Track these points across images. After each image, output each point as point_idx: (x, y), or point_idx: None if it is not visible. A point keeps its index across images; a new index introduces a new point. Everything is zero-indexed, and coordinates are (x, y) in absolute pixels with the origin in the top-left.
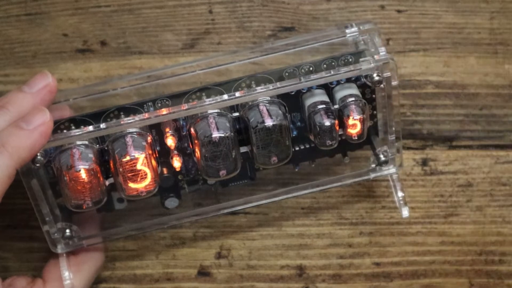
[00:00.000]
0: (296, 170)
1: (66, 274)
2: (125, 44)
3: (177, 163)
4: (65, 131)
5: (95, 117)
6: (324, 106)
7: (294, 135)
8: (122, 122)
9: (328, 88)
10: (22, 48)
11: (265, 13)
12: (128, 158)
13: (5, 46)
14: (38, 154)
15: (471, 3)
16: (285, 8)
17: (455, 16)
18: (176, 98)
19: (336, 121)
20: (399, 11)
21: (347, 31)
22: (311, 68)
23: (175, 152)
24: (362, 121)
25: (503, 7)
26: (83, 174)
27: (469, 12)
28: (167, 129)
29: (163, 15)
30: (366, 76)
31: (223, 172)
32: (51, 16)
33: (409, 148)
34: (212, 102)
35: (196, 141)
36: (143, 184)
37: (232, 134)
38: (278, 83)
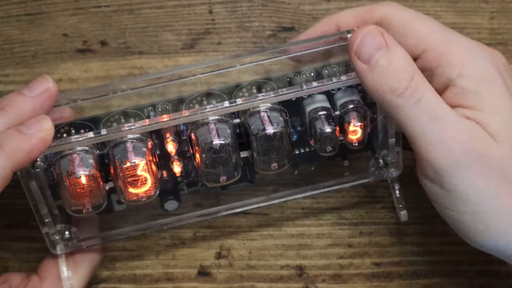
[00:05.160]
0: (296, 173)
1: (65, 274)
2: (125, 44)
3: (177, 168)
4: (65, 135)
5: (95, 121)
6: (325, 112)
7: (294, 139)
8: (122, 129)
9: (329, 94)
10: (22, 48)
11: (265, 13)
12: (128, 164)
13: (5, 46)
14: (38, 159)
15: (471, 3)
16: (285, 8)
17: (455, 16)
18: (177, 102)
19: (337, 128)
20: None
21: (348, 36)
22: (312, 74)
23: (176, 157)
24: (363, 128)
25: (503, 7)
26: (84, 180)
27: (469, 12)
28: (168, 135)
29: (163, 15)
30: None
31: (223, 178)
32: (51, 16)
33: (409, 148)
34: (213, 108)
35: (196, 147)
36: (143, 189)
37: (232, 141)
38: (279, 90)
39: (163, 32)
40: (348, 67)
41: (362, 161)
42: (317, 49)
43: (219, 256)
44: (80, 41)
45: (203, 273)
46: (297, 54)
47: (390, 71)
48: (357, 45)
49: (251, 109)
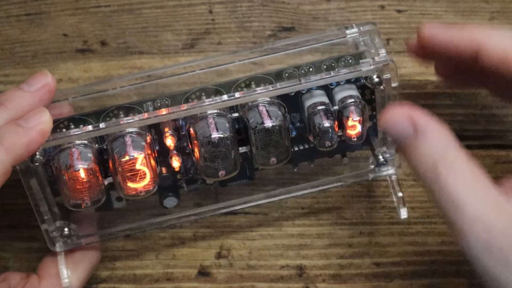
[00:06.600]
0: (295, 170)
1: (64, 272)
2: (125, 44)
3: (176, 163)
4: (64, 130)
5: (95, 116)
6: (323, 107)
7: (293, 136)
8: (121, 122)
9: (327, 89)
10: (22, 48)
11: (265, 13)
12: (127, 158)
13: (5, 46)
14: (37, 153)
15: (471, 3)
16: (285, 8)
17: (455, 16)
18: (176, 98)
19: (336, 122)
20: (399, 11)
21: (347, 31)
22: (311, 69)
23: (174, 152)
24: (362, 123)
25: (503, 7)
26: (82, 174)
27: (469, 12)
28: (167, 129)
29: (163, 15)
30: (366, 78)
31: (222, 173)
32: (51, 16)
33: None
34: (212, 102)
35: (195, 142)
36: (142, 184)
37: (231, 134)
38: (278, 84)
39: (163, 32)
40: (347, 64)
41: (361, 159)
42: (316, 45)
43: (219, 256)
44: (80, 41)
45: (203, 273)
46: (295, 50)
47: (415, 156)
48: (386, 128)
49: (249, 103)
